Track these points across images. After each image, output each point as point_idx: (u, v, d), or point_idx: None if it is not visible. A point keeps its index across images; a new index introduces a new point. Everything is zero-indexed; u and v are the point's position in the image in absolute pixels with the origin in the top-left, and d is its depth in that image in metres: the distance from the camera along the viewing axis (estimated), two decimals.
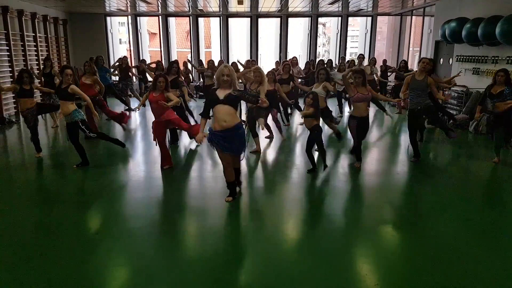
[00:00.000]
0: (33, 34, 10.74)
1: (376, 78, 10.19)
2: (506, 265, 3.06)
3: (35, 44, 10.79)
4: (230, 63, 10.36)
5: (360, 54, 11.25)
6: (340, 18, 14.38)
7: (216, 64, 9.98)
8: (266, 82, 5.99)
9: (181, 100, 6.39)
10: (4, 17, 9.32)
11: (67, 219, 3.94)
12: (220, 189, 4.60)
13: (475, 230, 3.72)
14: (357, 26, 17.99)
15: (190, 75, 12.13)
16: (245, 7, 12.47)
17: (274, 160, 6.16)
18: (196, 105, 11.13)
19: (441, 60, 10.50)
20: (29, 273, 2.96)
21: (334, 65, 11.18)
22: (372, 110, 11.06)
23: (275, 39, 15.13)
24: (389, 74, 11.48)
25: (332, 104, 10.58)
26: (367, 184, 5.07)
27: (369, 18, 14.44)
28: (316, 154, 5.69)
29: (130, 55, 14.72)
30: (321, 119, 5.48)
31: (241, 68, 10.23)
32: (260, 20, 14.44)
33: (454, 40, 8.91)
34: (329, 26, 23.04)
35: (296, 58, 10.60)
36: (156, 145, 5.43)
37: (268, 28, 17.23)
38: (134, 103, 11.10)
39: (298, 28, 18.08)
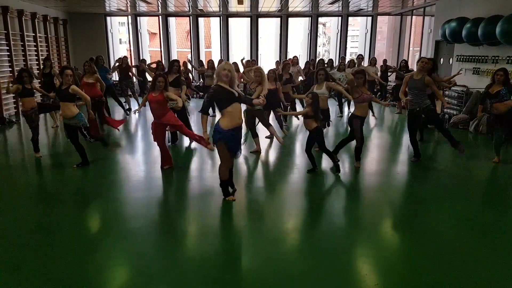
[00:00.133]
0: (33, 34, 10.74)
1: (376, 79, 10.18)
2: (506, 265, 3.06)
3: (35, 44, 10.79)
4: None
5: (359, 55, 11.24)
6: (340, 18, 14.37)
7: (216, 64, 9.98)
8: (266, 82, 5.98)
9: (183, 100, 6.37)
10: (4, 17, 9.33)
11: (67, 219, 3.94)
12: (220, 189, 4.60)
13: (475, 230, 3.72)
14: (357, 26, 17.99)
15: (190, 74, 12.13)
16: (245, 7, 12.47)
17: (274, 160, 6.16)
18: (196, 105, 11.12)
19: (441, 60, 10.50)
20: (29, 273, 2.95)
21: (334, 65, 11.18)
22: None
23: (275, 39, 15.12)
24: (389, 74, 11.48)
25: (332, 104, 10.60)
26: (367, 184, 5.07)
27: (369, 18, 14.43)
28: (315, 154, 5.68)
29: (130, 55, 14.73)
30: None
31: (241, 69, 10.24)
32: (260, 20, 14.44)
33: (454, 40, 8.90)
34: (329, 26, 23.05)
35: (296, 57, 10.59)
36: (154, 140, 5.43)
37: (268, 28, 17.24)
38: (134, 104, 11.11)
39: (298, 28, 18.08)
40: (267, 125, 6.45)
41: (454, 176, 5.40)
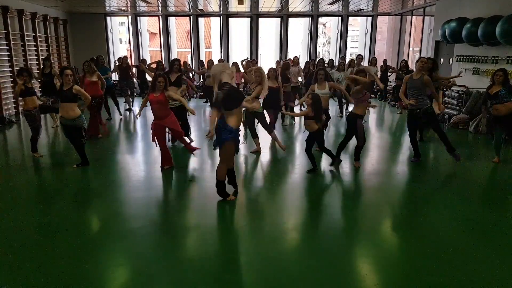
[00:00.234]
0: (33, 34, 10.74)
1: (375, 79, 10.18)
2: (507, 265, 3.06)
3: (35, 44, 10.79)
4: (230, 63, 10.37)
5: (359, 55, 11.23)
6: (340, 18, 14.37)
7: (216, 63, 9.98)
8: (266, 82, 5.98)
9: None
10: (4, 17, 9.32)
11: (67, 219, 3.94)
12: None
13: (475, 230, 3.72)
14: (357, 26, 17.99)
15: (190, 73, 12.14)
16: (245, 7, 12.47)
17: (274, 160, 6.15)
18: (196, 105, 11.13)
19: (441, 60, 10.50)
20: (29, 273, 2.95)
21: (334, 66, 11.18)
22: (372, 110, 11.06)
23: (275, 39, 15.12)
24: (389, 74, 11.48)
25: (332, 104, 10.60)
26: (367, 184, 5.07)
27: (369, 18, 14.44)
28: (315, 154, 5.68)
29: (130, 55, 14.73)
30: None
31: (241, 69, 10.25)
32: (260, 20, 14.43)
33: (454, 40, 8.91)
34: (329, 26, 23.06)
35: (297, 57, 10.59)
36: (156, 145, 5.43)
37: (268, 28, 17.24)
38: (134, 104, 11.11)
39: (298, 28, 18.08)
40: (268, 128, 6.41)
41: (454, 176, 5.40)
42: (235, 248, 3.46)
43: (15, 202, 4.45)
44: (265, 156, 6.27)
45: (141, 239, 3.50)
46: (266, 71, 6.40)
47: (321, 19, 15.47)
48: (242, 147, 6.11)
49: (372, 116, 10.15)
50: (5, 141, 7.59)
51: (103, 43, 14.13)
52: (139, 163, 6.00)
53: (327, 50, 24.47)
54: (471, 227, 3.76)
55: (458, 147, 6.94)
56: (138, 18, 14.28)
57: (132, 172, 5.45)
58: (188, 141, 6.50)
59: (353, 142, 5.59)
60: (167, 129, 5.59)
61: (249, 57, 11.03)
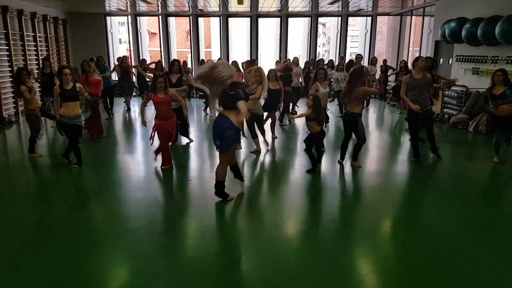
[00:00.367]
0: (33, 34, 10.73)
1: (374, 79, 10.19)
2: (506, 265, 3.06)
3: (34, 44, 10.78)
4: (230, 62, 10.37)
5: (358, 54, 11.22)
6: (340, 18, 14.37)
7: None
8: (266, 82, 5.98)
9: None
10: (4, 17, 9.31)
11: (67, 219, 3.94)
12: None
13: (475, 230, 3.72)
14: (357, 26, 17.99)
15: (190, 74, 12.12)
16: (245, 7, 12.47)
17: (273, 160, 6.15)
18: (196, 105, 11.12)
19: (441, 60, 10.50)
20: (29, 273, 2.95)
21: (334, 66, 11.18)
22: (372, 109, 11.08)
23: (275, 39, 15.12)
24: (389, 74, 11.49)
25: (331, 104, 10.61)
26: (367, 184, 5.07)
27: (369, 18, 14.44)
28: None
29: (130, 55, 14.71)
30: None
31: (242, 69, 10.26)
32: (260, 20, 14.43)
33: (453, 40, 8.91)
34: (329, 26, 23.06)
35: (297, 58, 10.60)
36: (152, 144, 5.40)
37: (268, 28, 17.23)
38: (134, 104, 11.11)
39: (298, 28, 18.08)
40: (263, 131, 6.41)
41: (453, 176, 5.40)
42: (235, 248, 3.46)
43: (15, 202, 4.44)
44: (265, 156, 6.27)
45: (141, 239, 3.50)
46: (266, 71, 6.41)
47: (320, 19, 15.47)
48: (242, 147, 6.12)
49: (372, 116, 10.16)
50: (5, 141, 7.59)
51: (103, 43, 14.12)
52: (139, 163, 6.00)
53: (327, 50, 24.47)
54: (471, 227, 3.77)
55: (458, 147, 6.97)
56: (138, 18, 14.27)
57: (132, 172, 5.44)
58: (187, 140, 6.46)
59: (351, 141, 5.59)
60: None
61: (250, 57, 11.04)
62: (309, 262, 3.13)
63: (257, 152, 6.28)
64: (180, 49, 21.63)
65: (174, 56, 14.80)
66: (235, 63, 10.14)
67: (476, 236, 3.59)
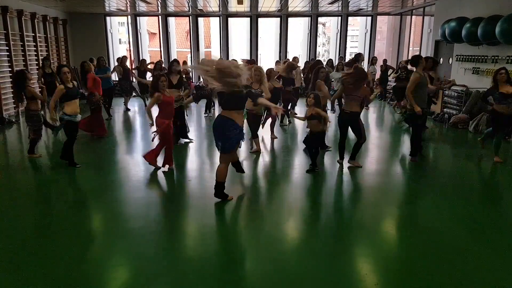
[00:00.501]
0: (33, 34, 10.73)
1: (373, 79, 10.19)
2: (506, 265, 3.06)
3: (34, 44, 10.78)
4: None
5: (359, 53, 11.20)
6: (340, 17, 14.37)
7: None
8: (266, 82, 5.98)
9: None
10: (3, 17, 9.31)
11: (67, 219, 3.94)
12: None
13: (475, 230, 3.72)
14: (357, 26, 18.00)
15: (190, 74, 12.10)
16: (245, 7, 12.47)
17: (274, 160, 6.15)
18: (195, 104, 11.11)
19: (441, 59, 10.50)
20: (29, 273, 2.95)
21: (334, 65, 11.17)
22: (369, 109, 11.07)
23: (275, 39, 15.12)
24: (389, 74, 11.48)
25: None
26: (367, 184, 5.07)
27: (369, 18, 14.43)
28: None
29: (130, 55, 14.72)
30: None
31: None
32: (260, 20, 14.43)
33: (454, 40, 8.90)
34: (329, 26, 23.06)
35: (297, 58, 10.60)
36: (152, 141, 5.37)
37: (268, 28, 17.23)
38: (133, 104, 11.10)
39: (298, 28, 18.09)
40: (256, 133, 6.35)
41: (453, 176, 5.40)
42: (235, 248, 3.46)
43: (15, 202, 4.44)
44: (265, 156, 6.27)
45: (141, 239, 3.50)
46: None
47: (320, 19, 15.46)
48: (242, 147, 6.12)
49: (372, 116, 10.16)
50: (5, 141, 7.59)
51: (103, 43, 14.13)
52: (139, 163, 5.99)
53: (326, 50, 24.47)
54: (471, 227, 3.76)
55: (458, 147, 6.97)
56: (138, 18, 14.27)
57: (132, 172, 5.44)
58: (186, 140, 6.45)
59: (348, 141, 5.58)
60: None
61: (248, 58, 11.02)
62: (309, 262, 3.12)
63: (257, 152, 6.27)
64: (180, 49, 21.63)
65: (174, 56, 14.80)
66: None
67: (476, 236, 3.59)
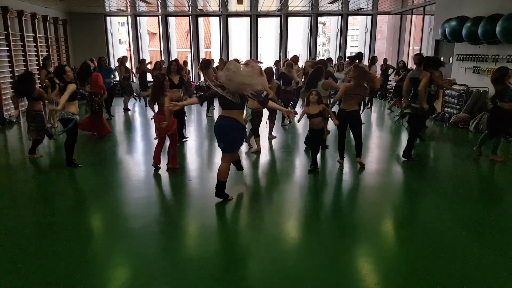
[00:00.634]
0: (33, 35, 10.74)
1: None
2: (507, 265, 3.06)
3: (35, 44, 10.79)
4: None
5: (358, 52, 11.17)
6: (340, 17, 14.37)
7: (217, 63, 9.97)
8: (266, 82, 5.98)
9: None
10: (4, 18, 9.32)
11: (67, 219, 3.95)
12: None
13: (475, 230, 3.71)
14: (357, 25, 17.98)
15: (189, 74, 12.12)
16: (245, 6, 12.47)
17: (274, 160, 6.15)
18: (196, 105, 11.11)
19: (442, 59, 10.47)
20: (29, 273, 2.95)
21: (333, 64, 11.16)
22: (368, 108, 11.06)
23: (275, 38, 15.12)
24: (390, 74, 11.46)
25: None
26: (367, 183, 5.06)
27: (369, 17, 14.43)
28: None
29: (130, 55, 14.72)
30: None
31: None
32: (260, 19, 14.43)
33: (454, 39, 8.89)
34: (329, 25, 23.02)
35: (297, 56, 10.56)
36: (155, 139, 5.36)
37: (268, 27, 17.22)
38: (131, 104, 11.10)
39: (298, 27, 18.08)
40: (257, 132, 6.36)
41: (453, 176, 5.39)
42: (235, 248, 3.46)
43: (15, 202, 4.45)
44: (265, 156, 6.26)
45: (141, 239, 3.50)
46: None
47: (320, 19, 15.45)
48: (242, 147, 6.12)
49: (372, 116, 10.15)
50: (5, 142, 7.60)
51: (103, 44, 14.14)
52: (139, 163, 5.99)
53: (327, 50, 24.44)
54: (471, 227, 3.76)
55: (458, 147, 6.96)
56: (138, 18, 14.28)
57: (132, 172, 5.44)
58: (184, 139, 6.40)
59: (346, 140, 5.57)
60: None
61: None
62: (309, 262, 3.12)
63: (258, 152, 6.27)
64: (180, 49, 21.63)
65: (174, 56, 14.80)
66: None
67: (476, 236, 3.58)
